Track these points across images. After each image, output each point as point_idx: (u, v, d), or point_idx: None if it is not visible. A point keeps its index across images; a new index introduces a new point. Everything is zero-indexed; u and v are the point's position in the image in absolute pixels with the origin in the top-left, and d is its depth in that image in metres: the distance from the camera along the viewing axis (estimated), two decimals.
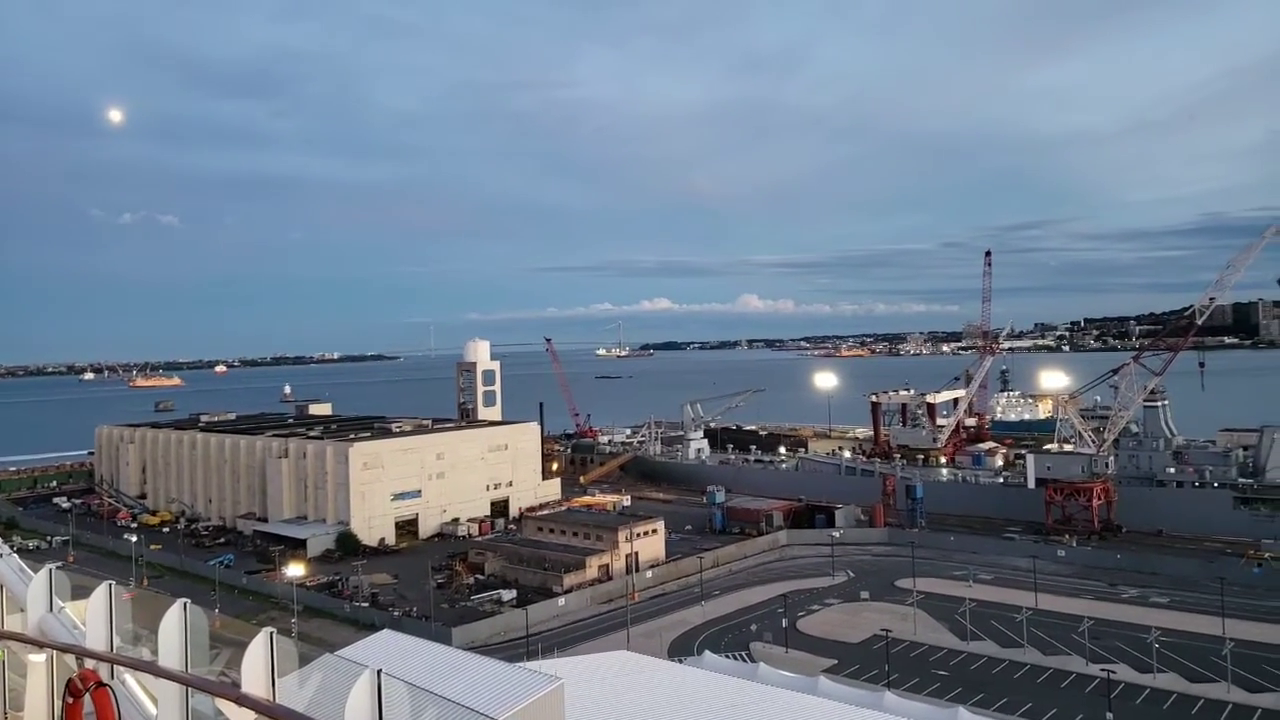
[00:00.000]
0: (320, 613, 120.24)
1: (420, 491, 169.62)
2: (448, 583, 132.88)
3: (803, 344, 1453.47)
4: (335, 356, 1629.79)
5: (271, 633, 12.25)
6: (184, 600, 13.82)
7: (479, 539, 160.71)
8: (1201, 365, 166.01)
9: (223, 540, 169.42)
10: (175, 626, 13.49)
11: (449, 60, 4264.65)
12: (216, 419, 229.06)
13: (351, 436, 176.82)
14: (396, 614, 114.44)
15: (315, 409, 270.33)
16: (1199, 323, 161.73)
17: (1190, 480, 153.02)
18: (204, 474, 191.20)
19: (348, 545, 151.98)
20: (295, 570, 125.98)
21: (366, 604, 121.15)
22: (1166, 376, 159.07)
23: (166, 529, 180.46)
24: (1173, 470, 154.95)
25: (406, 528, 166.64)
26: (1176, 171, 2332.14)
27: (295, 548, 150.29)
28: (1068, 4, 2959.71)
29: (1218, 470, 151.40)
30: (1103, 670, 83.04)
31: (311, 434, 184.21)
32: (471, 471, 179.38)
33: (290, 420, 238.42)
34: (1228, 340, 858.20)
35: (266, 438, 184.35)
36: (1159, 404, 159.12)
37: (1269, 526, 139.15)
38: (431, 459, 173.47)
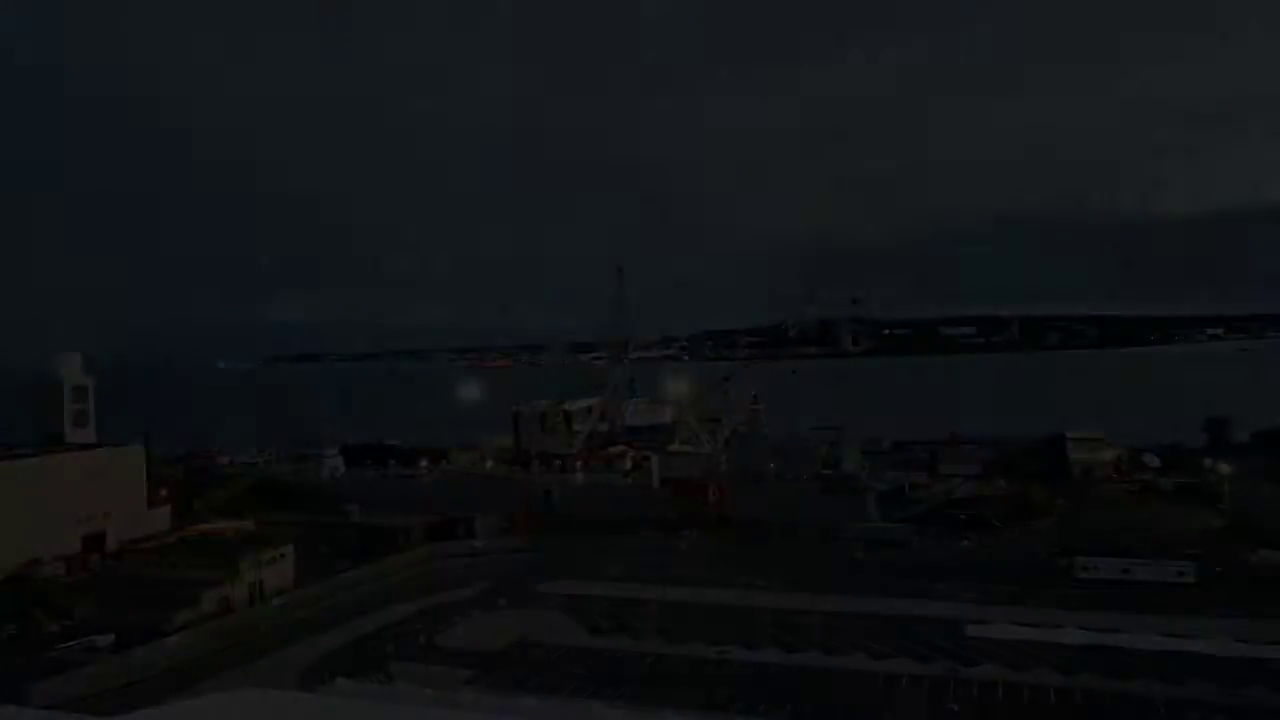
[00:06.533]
0: None
1: None
2: (23, 634, 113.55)
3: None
4: None
5: None
6: None
7: (66, 579, 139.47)
8: (794, 372, 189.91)
9: None
10: None
11: None
12: None
13: None
14: None
15: None
16: (792, 335, 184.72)
17: (786, 474, 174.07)
18: None
19: None
20: None
21: None
22: (766, 382, 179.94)
23: None
24: (773, 466, 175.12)
25: None
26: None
27: None
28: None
29: (807, 465, 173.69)
30: (717, 652, 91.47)
31: None
32: (55, 504, 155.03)
33: None
34: (814, 351, 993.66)
35: None
36: (761, 407, 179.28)
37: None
38: None
